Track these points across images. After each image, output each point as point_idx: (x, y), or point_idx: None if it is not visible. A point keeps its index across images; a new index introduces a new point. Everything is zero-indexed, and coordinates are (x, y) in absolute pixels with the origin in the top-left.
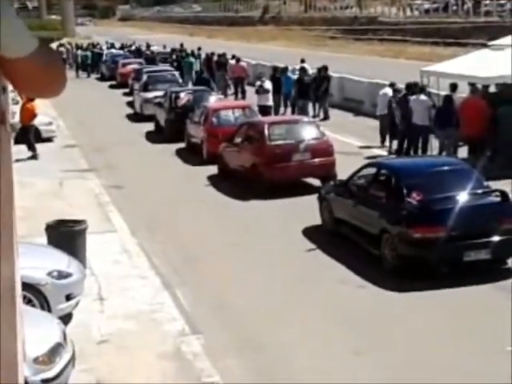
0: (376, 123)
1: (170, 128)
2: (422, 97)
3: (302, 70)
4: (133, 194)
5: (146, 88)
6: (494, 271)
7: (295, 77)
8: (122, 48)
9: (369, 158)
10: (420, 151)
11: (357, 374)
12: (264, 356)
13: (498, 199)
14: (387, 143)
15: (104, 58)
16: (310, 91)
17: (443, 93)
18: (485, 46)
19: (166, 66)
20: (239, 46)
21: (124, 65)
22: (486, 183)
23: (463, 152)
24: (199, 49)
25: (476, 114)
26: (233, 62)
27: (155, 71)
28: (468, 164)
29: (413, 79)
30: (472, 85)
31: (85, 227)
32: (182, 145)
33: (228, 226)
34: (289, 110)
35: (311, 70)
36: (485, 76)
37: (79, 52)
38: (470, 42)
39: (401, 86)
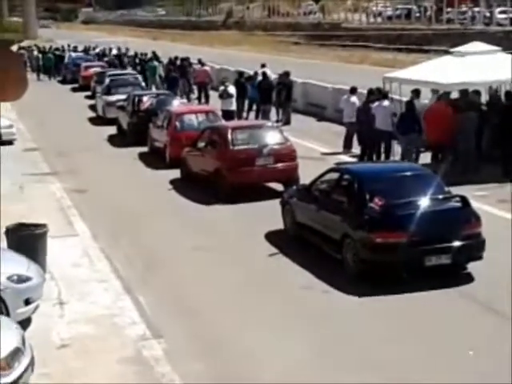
0: (339, 128)
1: (132, 132)
2: (385, 102)
3: (263, 75)
4: (95, 198)
5: (108, 91)
6: (454, 276)
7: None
8: (84, 51)
9: (332, 163)
10: (383, 156)
11: (321, 377)
12: (226, 360)
13: (459, 205)
14: (353, 150)
15: (66, 60)
16: (272, 96)
17: (405, 99)
18: (447, 52)
19: (129, 70)
20: (203, 51)
21: (86, 68)
22: (446, 189)
23: (425, 158)
24: (145, 54)
25: (442, 120)
26: (197, 66)
27: (118, 74)
28: (430, 170)
29: (376, 85)
30: (436, 91)
31: (45, 231)
32: (145, 149)
33: (191, 231)
34: (252, 114)
35: (273, 76)
36: (447, 82)
37: (40, 54)
38: (432, 49)
39: (364, 91)
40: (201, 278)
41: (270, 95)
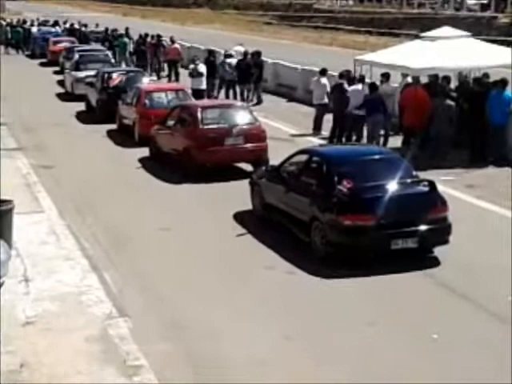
0: (308, 109)
1: (101, 108)
2: (359, 86)
3: (244, 55)
4: (62, 174)
5: (77, 67)
6: (420, 259)
7: (234, 62)
8: (54, 25)
9: (301, 144)
10: (354, 139)
11: (286, 358)
12: (192, 340)
13: (426, 189)
14: (323, 132)
15: (35, 35)
16: (249, 76)
17: (376, 82)
18: (417, 36)
19: (99, 46)
20: (174, 29)
21: (55, 43)
22: (414, 173)
23: (395, 142)
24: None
25: (422, 104)
26: (167, 43)
27: (87, 50)
28: (398, 153)
29: (346, 67)
30: (406, 75)
31: (11, 207)
32: (114, 126)
33: (159, 210)
34: (222, 94)
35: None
36: (416, 67)
37: (8, 27)
38: (402, 33)
39: (334, 73)
40: (167, 256)
41: (248, 75)
